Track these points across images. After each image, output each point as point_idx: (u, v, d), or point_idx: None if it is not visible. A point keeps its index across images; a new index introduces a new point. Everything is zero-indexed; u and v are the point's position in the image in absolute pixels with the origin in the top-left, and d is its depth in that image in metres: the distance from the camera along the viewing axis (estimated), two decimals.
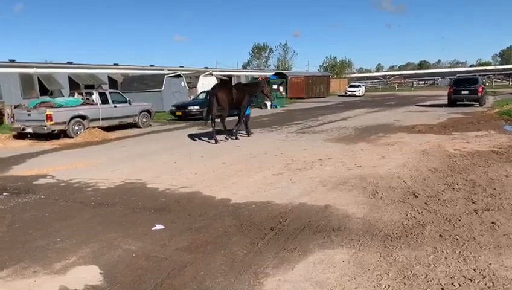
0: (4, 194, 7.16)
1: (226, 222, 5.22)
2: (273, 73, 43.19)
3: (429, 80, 79.53)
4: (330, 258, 4.01)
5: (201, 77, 31.12)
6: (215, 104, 12.72)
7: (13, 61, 24.93)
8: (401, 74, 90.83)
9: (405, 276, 3.58)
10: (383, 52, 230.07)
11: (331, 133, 13.75)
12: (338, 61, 72.97)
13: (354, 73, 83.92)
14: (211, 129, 13.22)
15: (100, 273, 3.93)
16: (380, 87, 69.74)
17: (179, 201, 6.28)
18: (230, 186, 7.03)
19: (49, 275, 3.94)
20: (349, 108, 26.74)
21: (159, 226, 5.17)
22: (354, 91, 47.27)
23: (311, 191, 6.51)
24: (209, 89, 14.00)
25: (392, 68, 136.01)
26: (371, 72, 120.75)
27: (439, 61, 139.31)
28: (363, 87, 51.29)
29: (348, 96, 46.54)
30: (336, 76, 65.56)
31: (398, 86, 69.60)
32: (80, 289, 3.64)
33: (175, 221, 5.36)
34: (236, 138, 13.12)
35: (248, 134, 13.95)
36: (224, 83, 14.12)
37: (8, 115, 19.26)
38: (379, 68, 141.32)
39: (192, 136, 14.52)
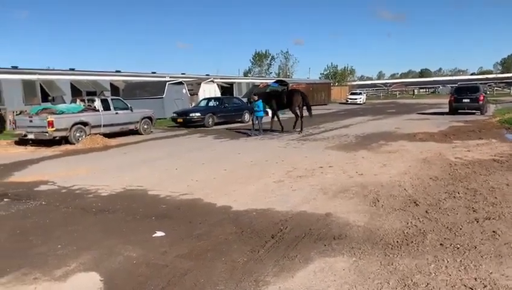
0: (5, 200, 7.17)
1: (226, 229, 5.22)
2: (274, 80, 43.25)
3: (430, 88, 79.77)
4: (331, 267, 4.01)
5: (202, 84, 31.25)
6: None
7: (16, 67, 25.08)
8: (402, 82, 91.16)
9: (406, 285, 3.57)
10: (385, 60, 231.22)
11: (332, 141, 13.77)
12: (339, 69, 73.22)
13: (355, 80, 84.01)
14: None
15: (100, 280, 3.93)
16: (381, 94, 69.91)
17: (180, 208, 6.29)
18: (231, 194, 7.03)
19: (49, 282, 3.94)
20: (351, 116, 26.78)
21: (159, 233, 5.17)
22: (355, 99, 47.37)
23: (312, 198, 6.51)
24: (300, 94, 17.45)
25: (393, 76, 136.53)
26: (372, 79, 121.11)
27: (440, 69, 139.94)
28: (365, 94, 51.44)
29: (349, 103, 46.62)
30: (337, 84, 65.71)
31: (399, 93, 69.79)
32: None
33: (176, 228, 5.36)
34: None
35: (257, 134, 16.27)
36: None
37: (10, 121, 19.34)
38: (380, 76, 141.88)
39: (193, 143, 14.57)
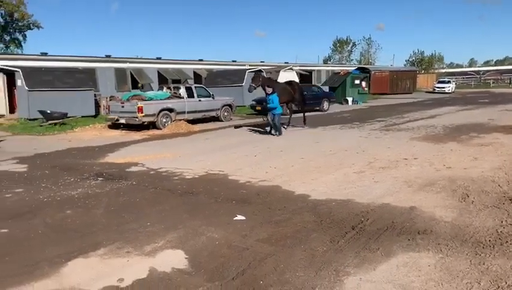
0: (100, 179, 7.80)
1: (305, 218, 5.22)
2: (355, 68, 42.01)
3: None
4: (415, 262, 3.85)
5: (281, 72, 31.22)
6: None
7: (109, 56, 26.91)
8: (497, 70, 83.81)
9: (499, 286, 3.33)
10: (478, 46, 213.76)
11: (417, 132, 13.10)
12: (426, 56, 69.05)
13: (443, 68, 78.68)
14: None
15: (185, 258, 4.14)
16: (472, 83, 64.99)
17: (259, 194, 6.40)
18: (309, 182, 7.01)
19: (140, 256, 4.24)
20: (438, 105, 25.26)
21: (240, 217, 5.32)
22: (443, 87, 44.42)
23: (395, 191, 6.27)
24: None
25: (487, 63, 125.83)
26: (462, 67, 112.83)
27: None
28: (453, 83, 48.04)
29: (436, 92, 43.90)
30: (423, 71, 62.17)
31: (493, 82, 64.33)
32: (168, 272, 3.86)
33: (255, 213, 5.47)
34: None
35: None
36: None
37: (104, 106, 20.91)
38: (472, 63, 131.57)
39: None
